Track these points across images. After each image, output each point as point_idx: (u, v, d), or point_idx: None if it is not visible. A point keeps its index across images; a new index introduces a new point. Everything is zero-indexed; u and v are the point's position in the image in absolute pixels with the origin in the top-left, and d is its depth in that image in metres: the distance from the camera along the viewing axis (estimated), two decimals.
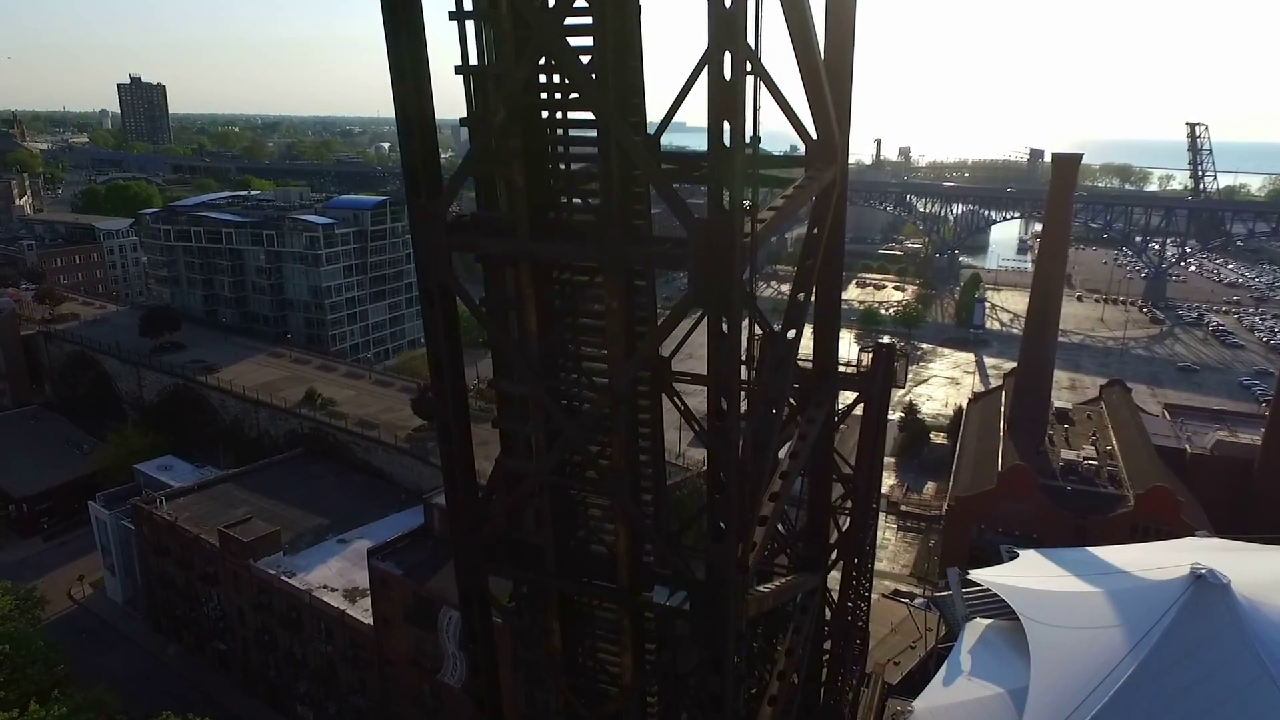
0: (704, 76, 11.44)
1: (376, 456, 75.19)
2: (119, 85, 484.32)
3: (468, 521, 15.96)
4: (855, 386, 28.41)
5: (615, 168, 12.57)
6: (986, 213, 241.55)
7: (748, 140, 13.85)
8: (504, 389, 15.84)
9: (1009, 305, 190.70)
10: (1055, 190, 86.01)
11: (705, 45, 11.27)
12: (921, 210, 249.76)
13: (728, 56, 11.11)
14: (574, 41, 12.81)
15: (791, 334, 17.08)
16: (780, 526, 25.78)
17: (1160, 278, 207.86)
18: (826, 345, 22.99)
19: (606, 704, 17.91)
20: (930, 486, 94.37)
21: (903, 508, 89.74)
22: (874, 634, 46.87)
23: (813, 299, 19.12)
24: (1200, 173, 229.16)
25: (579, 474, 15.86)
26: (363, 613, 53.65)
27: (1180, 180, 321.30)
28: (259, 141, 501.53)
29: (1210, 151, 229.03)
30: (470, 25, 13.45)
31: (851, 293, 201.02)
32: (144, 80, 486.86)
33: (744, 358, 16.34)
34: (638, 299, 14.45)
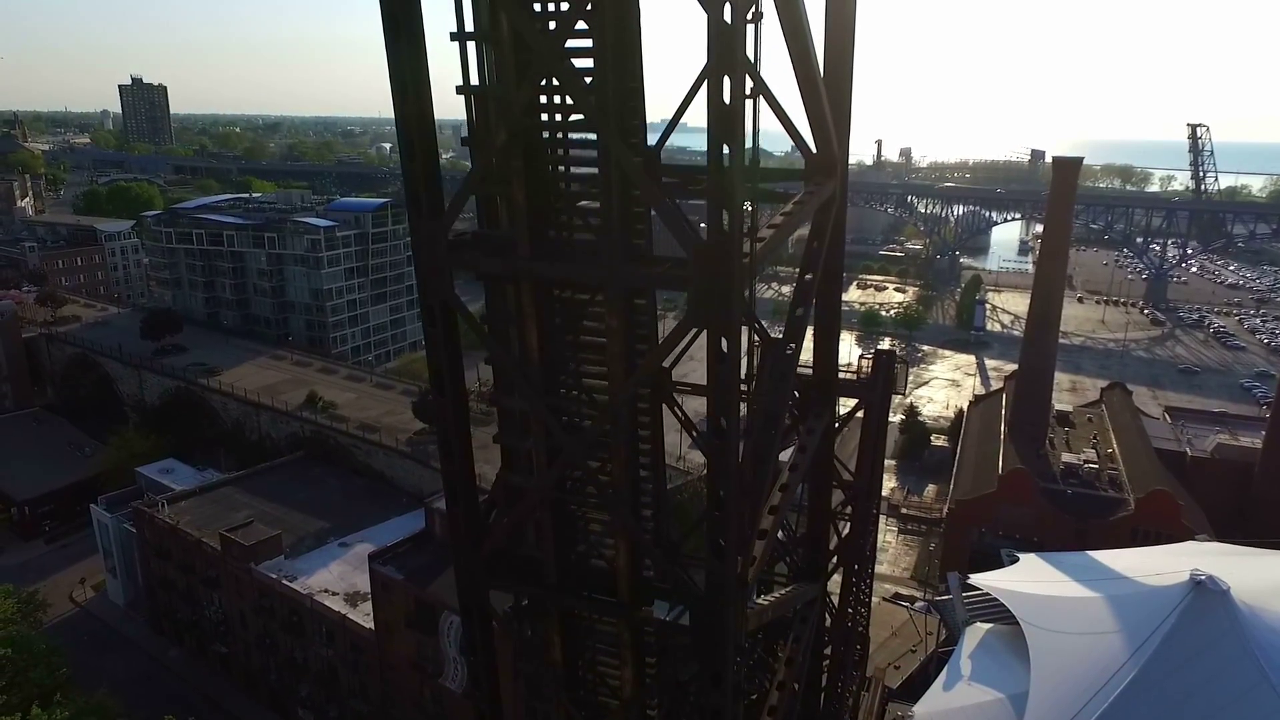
0: (703, 89, 11.55)
1: (377, 460, 75.31)
2: (120, 86, 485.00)
3: (469, 536, 16.04)
4: (855, 393, 28.53)
5: (615, 188, 12.65)
6: (987, 214, 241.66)
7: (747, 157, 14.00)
8: (505, 405, 15.91)
9: (1010, 307, 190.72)
10: (1056, 193, 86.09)
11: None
12: (922, 211, 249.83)
13: (727, 81, 11.17)
14: (574, 61, 12.96)
15: (791, 348, 17.18)
16: (780, 533, 25.88)
17: (1161, 279, 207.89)
18: (826, 356, 23.06)
19: (607, 717, 17.99)
20: (931, 489, 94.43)
21: (903, 510, 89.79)
22: (874, 638, 46.93)
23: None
24: (1201, 174, 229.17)
25: (579, 489, 15.93)
26: (364, 617, 53.76)
27: (1182, 181, 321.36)
28: (260, 142, 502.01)
29: (1211, 153, 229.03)
30: (471, 44, 13.54)
31: (852, 294, 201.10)
32: (145, 81, 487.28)
33: (744, 374, 16.46)
34: (638, 317, 14.53)
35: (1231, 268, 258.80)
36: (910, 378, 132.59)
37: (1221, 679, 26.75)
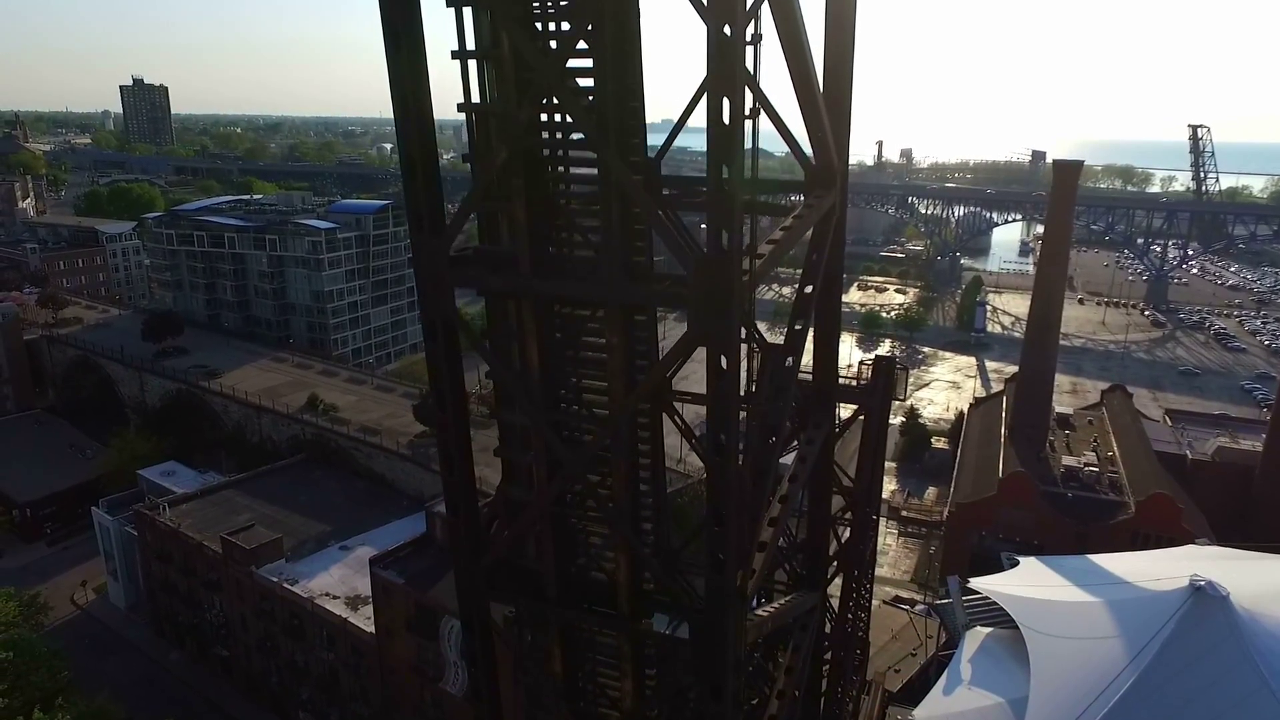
0: (703, 100, 11.64)
1: (378, 463, 75.39)
2: (121, 87, 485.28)
3: (470, 548, 16.11)
4: (855, 399, 28.59)
5: (615, 207, 12.73)
6: (988, 215, 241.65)
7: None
8: (505, 419, 15.99)
9: (1010, 308, 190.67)
10: (1056, 197, 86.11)
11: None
12: (923, 212, 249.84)
13: (726, 103, 11.25)
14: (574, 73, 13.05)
15: (790, 360, 17.24)
16: (780, 540, 25.93)
17: (1162, 280, 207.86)
18: (826, 364, 23.10)
19: None
20: (931, 492, 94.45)
21: (904, 513, 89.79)
22: (874, 641, 46.97)
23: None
24: (1202, 175, 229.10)
25: (579, 503, 16.01)
26: (365, 620, 53.79)
27: (1182, 182, 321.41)
28: (261, 143, 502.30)
29: (1212, 154, 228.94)
30: (472, 62, 13.62)
31: (853, 295, 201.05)
32: (146, 82, 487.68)
33: (743, 382, 16.52)
34: (638, 333, 14.61)
35: (1232, 269, 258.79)
36: (911, 379, 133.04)
37: (1221, 684, 26.81)
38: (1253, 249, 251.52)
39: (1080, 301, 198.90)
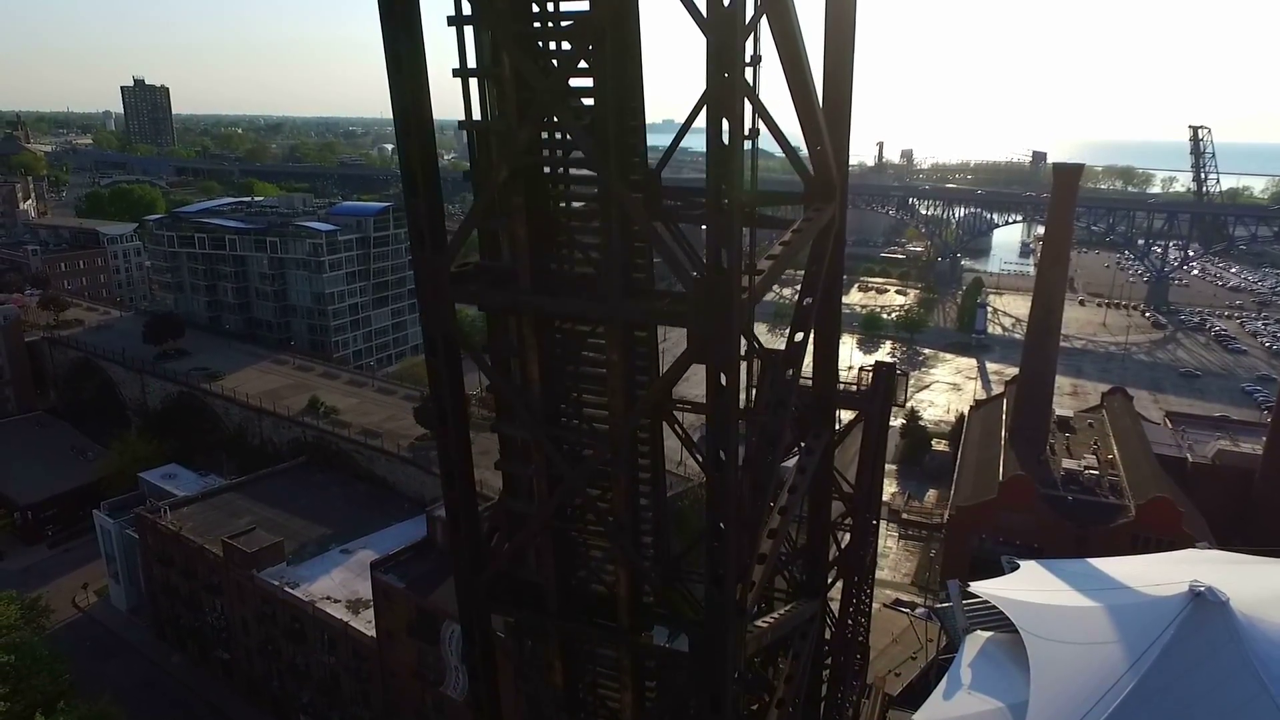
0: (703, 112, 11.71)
1: (379, 466, 75.49)
2: (123, 87, 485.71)
3: (471, 561, 16.18)
4: (855, 405, 28.64)
5: (616, 226, 12.80)
6: (989, 216, 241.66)
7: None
8: (506, 432, 16.06)
9: (1011, 310, 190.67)
10: (1057, 200, 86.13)
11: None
12: (924, 213, 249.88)
13: (725, 124, 11.32)
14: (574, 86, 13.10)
15: (790, 372, 17.30)
16: (779, 549, 25.97)
17: (1163, 282, 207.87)
18: (826, 376, 23.15)
19: None
20: (932, 494, 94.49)
21: (904, 516, 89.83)
22: (875, 645, 46.95)
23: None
24: (1203, 176, 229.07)
25: (580, 516, 16.08)
26: (365, 624, 53.90)
27: (1183, 182, 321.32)
28: (262, 143, 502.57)
29: (1213, 155, 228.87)
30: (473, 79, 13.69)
31: (853, 297, 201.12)
32: (147, 82, 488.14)
33: (743, 398, 16.58)
34: (638, 349, 14.67)
35: (1233, 270, 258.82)
36: (911, 381, 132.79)
37: (1221, 690, 26.83)
38: (1253, 250, 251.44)
39: (1081, 303, 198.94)
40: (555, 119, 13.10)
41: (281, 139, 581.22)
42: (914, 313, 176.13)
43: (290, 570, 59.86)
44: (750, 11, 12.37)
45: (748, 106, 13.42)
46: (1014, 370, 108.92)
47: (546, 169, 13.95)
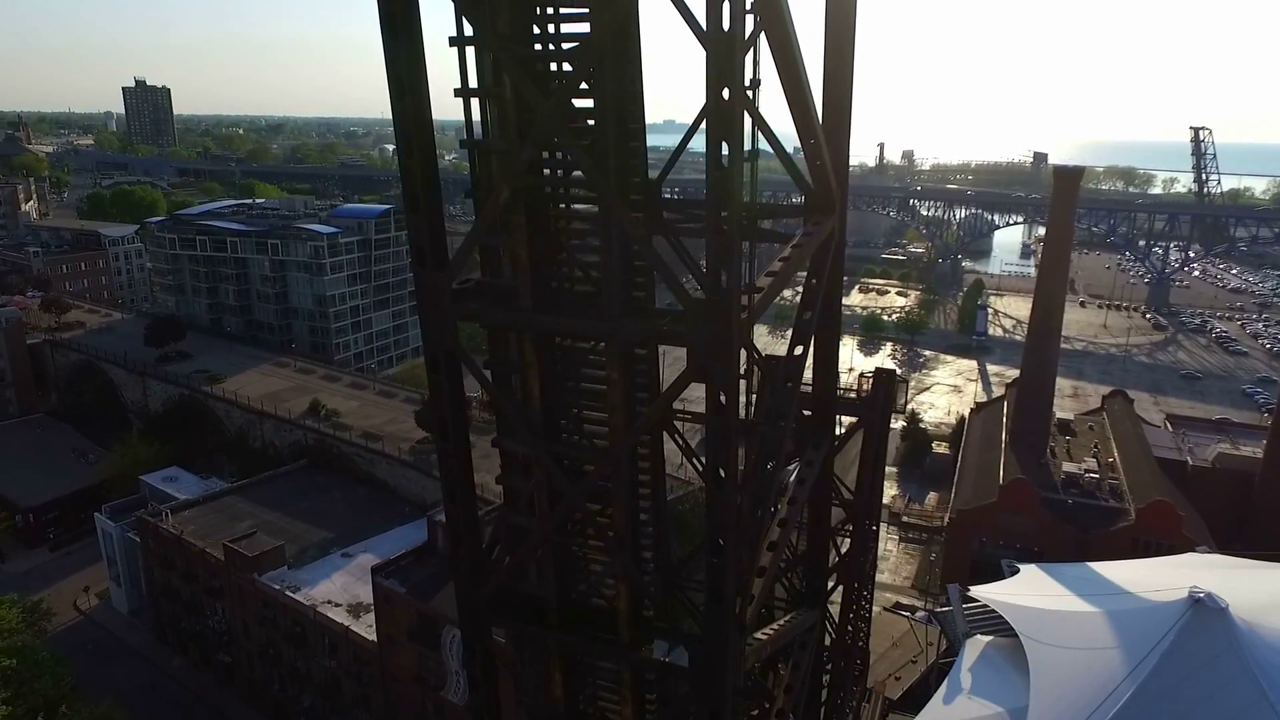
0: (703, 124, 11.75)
1: (380, 469, 75.57)
2: (124, 88, 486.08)
3: (472, 575, 16.27)
4: (855, 412, 28.70)
5: (616, 246, 12.89)
6: (989, 217, 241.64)
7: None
8: (507, 447, 16.14)
9: (1012, 311, 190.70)
10: (1057, 204, 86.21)
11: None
12: (924, 214, 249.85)
13: (724, 146, 11.41)
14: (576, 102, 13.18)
15: (790, 385, 17.37)
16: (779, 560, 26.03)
17: (1163, 283, 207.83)
18: (825, 387, 23.23)
19: None
20: (932, 497, 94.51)
21: (904, 519, 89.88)
22: (875, 648, 47.04)
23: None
24: (1204, 177, 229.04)
25: (580, 531, 16.17)
26: (366, 628, 54.01)
27: (1184, 183, 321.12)
28: (263, 144, 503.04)
29: (1214, 156, 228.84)
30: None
31: (854, 298, 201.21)
32: (149, 83, 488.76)
33: (742, 409, 16.65)
34: (638, 367, 14.76)
35: (1234, 271, 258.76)
36: (912, 383, 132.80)
37: (1220, 696, 26.93)
38: (1254, 251, 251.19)
39: (1082, 304, 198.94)
40: (556, 139, 13.19)
41: (283, 140, 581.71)
42: (914, 314, 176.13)
43: (291, 574, 59.98)
44: (750, 27, 12.51)
45: (747, 120, 13.57)
46: (1015, 372, 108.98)
47: (548, 188, 14.03)
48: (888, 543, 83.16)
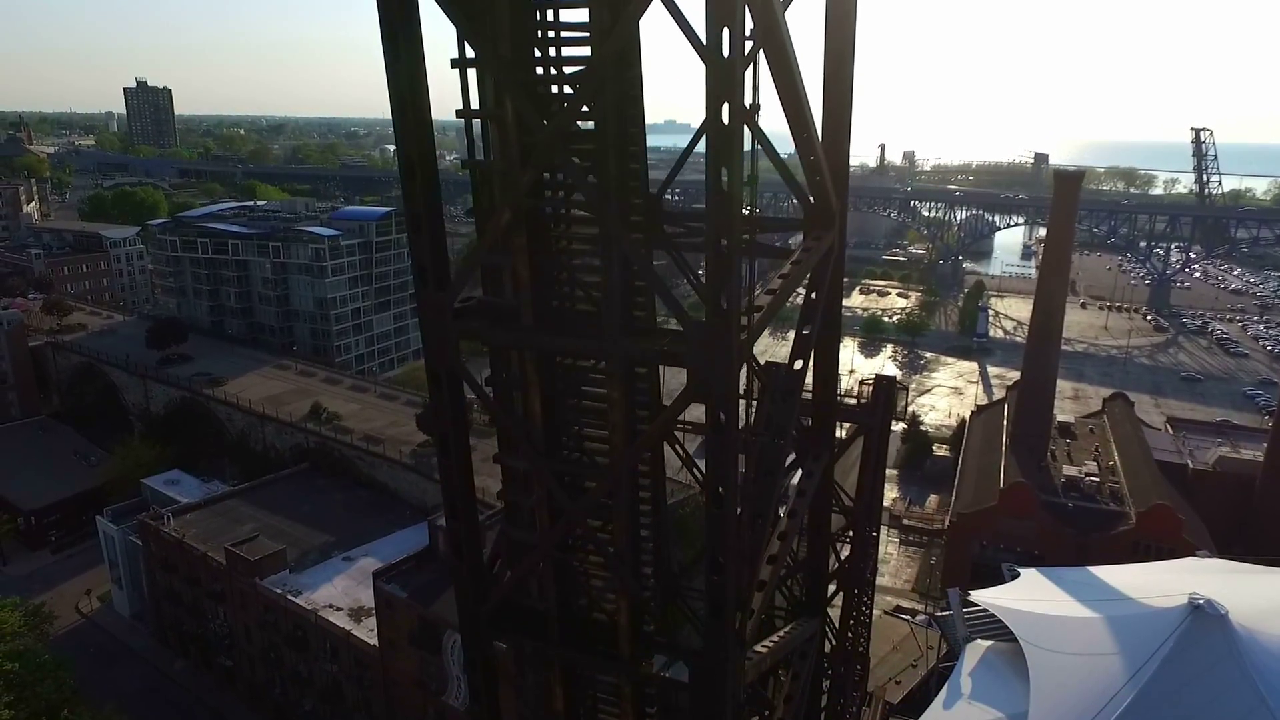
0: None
1: (381, 472, 75.65)
2: (125, 89, 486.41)
3: (474, 590, 16.37)
4: (855, 419, 28.79)
5: (616, 267, 12.98)
6: (990, 218, 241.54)
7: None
8: (508, 463, 16.24)
9: (1013, 313, 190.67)
10: (1058, 207, 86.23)
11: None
12: (925, 215, 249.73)
13: (724, 172, 11.50)
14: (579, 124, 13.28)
15: (790, 399, 17.47)
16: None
17: (1164, 285, 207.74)
18: (825, 399, 23.31)
19: None
20: (933, 499, 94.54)
21: (905, 521, 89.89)
22: (875, 652, 47.03)
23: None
24: (1205, 178, 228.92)
25: (581, 546, 16.27)
26: (368, 632, 54.10)
27: (1185, 184, 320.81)
28: (264, 144, 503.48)
29: (1215, 156, 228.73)
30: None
31: (854, 299, 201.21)
32: (150, 82, 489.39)
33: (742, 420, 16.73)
34: (639, 385, 14.85)
35: (1235, 273, 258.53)
36: (912, 385, 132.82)
37: (1220, 703, 26.96)
38: (1255, 253, 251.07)
39: (1083, 306, 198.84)
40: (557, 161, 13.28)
41: (284, 140, 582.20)
42: (915, 316, 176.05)
43: (293, 578, 60.07)
44: (749, 44, 12.59)
45: (747, 133, 13.66)
46: (1015, 374, 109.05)
47: (549, 209, 14.13)
48: (888, 545, 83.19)
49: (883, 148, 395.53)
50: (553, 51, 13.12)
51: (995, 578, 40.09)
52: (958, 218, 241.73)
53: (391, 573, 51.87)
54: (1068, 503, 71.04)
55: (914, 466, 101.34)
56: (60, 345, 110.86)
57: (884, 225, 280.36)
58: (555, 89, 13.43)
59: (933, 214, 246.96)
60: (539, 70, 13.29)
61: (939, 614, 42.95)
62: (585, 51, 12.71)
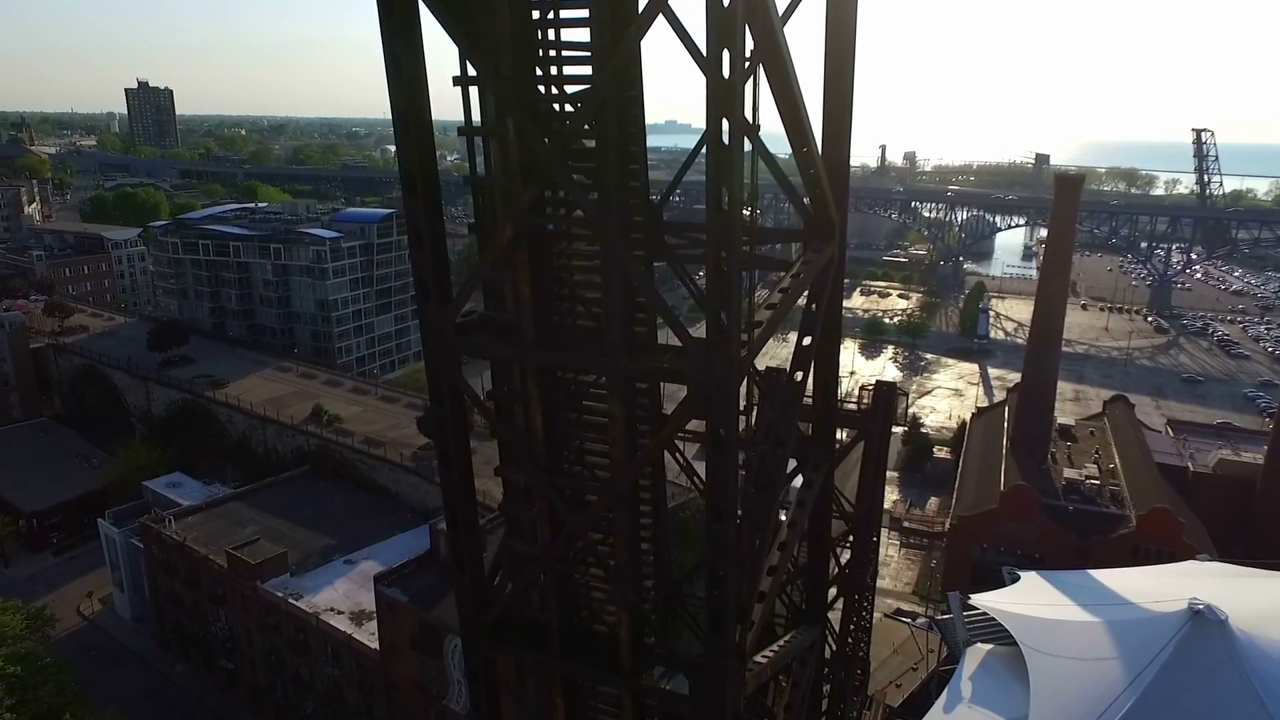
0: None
1: (382, 475, 75.73)
2: (127, 90, 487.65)
3: (476, 602, 16.44)
4: (855, 425, 28.83)
5: (617, 285, 13.05)
6: (991, 219, 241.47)
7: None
8: (509, 476, 16.32)
9: (1013, 314, 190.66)
10: (1058, 211, 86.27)
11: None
12: (926, 216, 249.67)
13: (724, 192, 11.58)
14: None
15: (789, 410, 17.54)
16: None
17: (1165, 286, 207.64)
18: (825, 406, 23.35)
19: None
20: (933, 502, 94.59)
21: (905, 524, 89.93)
22: (875, 655, 47.10)
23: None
24: (1206, 179, 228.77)
25: (582, 559, 16.34)
26: (369, 636, 54.18)
27: (1186, 185, 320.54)
28: (265, 145, 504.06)
29: (1216, 157, 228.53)
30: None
31: (855, 301, 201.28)
32: (151, 82, 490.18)
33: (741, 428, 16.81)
34: (639, 400, 14.93)
35: (1236, 274, 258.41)
36: (913, 387, 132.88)
37: (1219, 708, 27.04)
38: (1256, 253, 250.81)
39: (1083, 307, 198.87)
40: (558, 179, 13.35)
41: (285, 140, 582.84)
42: (916, 317, 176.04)
43: (294, 581, 60.14)
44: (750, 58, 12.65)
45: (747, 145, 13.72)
46: (1016, 376, 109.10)
47: (550, 226, 14.21)
48: (889, 548, 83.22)
49: (884, 148, 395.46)
50: (554, 70, 13.20)
51: (996, 580, 40.18)
52: (958, 218, 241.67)
53: (393, 577, 51.97)
54: (1068, 505, 71.09)
55: (915, 469, 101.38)
56: (62, 347, 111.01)
57: (885, 226, 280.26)
58: (557, 107, 13.50)
59: (933, 215, 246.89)
60: (540, 89, 13.36)
61: (939, 617, 43.06)
62: (587, 70, 12.79)
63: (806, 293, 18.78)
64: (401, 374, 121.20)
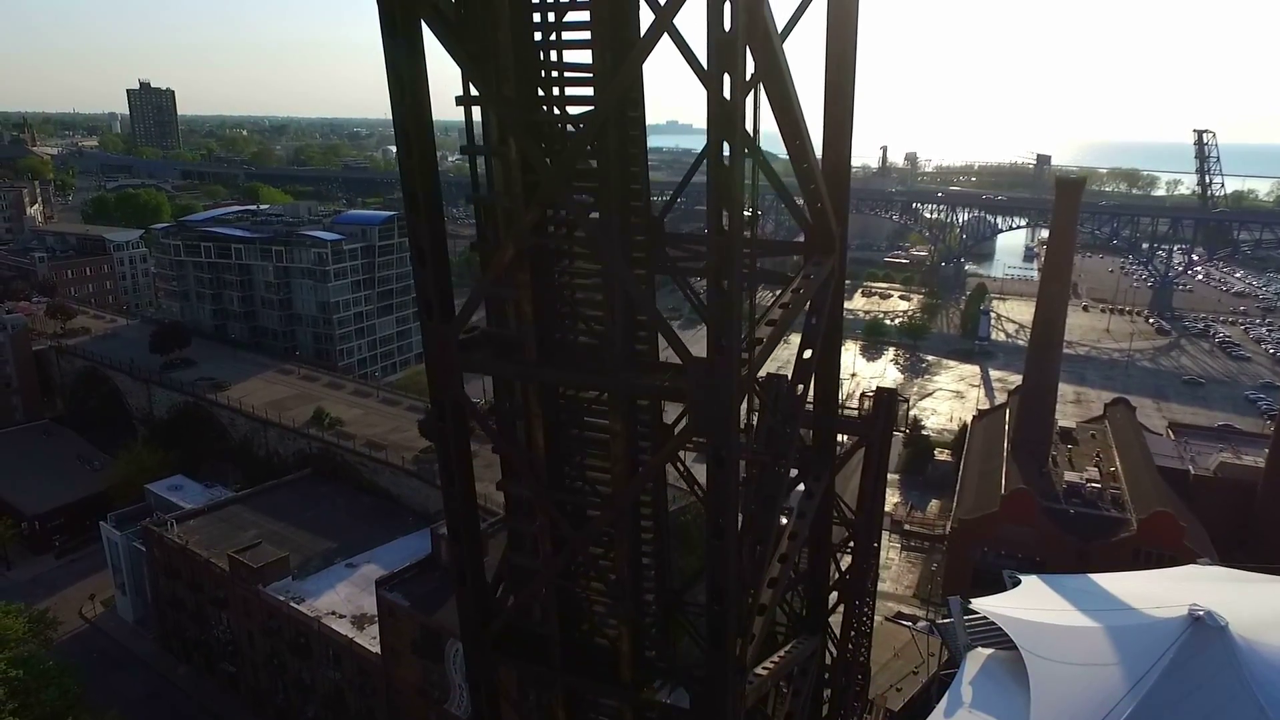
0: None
1: (384, 478, 75.83)
2: (128, 90, 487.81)
3: (478, 615, 16.53)
4: (856, 431, 28.90)
5: (618, 303, 13.14)
6: (993, 220, 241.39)
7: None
8: (511, 491, 16.41)
9: (1015, 315, 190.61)
10: (1059, 214, 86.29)
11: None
12: (927, 217, 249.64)
13: (725, 213, 11.66)
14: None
15: (790, 424, 17.61)
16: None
17: (1167, 287, 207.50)
18: (826, 415, 23.43)
19: None
20: (934, 505, 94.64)
21: (906, 527, 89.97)
22: (876, 659, 47.09)
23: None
24: (1207, 180, 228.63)
25: (583, 574, 16.43)
26: (370, 640, 54.26)
27: (1188, 185, 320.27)
28: (267, 146, 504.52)
29: (1217, 158, 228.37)
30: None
31: (856, 302, 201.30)
32: (153, 83, 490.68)
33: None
34: (640, 417, 15.01)
35: (1237, 275, 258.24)
36: (914, 389, 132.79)
37: (1220, 714, 27.02)
38: (1258, 255, 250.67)
39: (1084, 309, 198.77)
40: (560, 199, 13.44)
41: (286, 141, 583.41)
42: (917, 319, 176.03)
43: (296, 585, 60.24)
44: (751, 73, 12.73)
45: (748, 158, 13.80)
46: (1017, 377, 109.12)
47: (552, 245, 14.29)
48: (889, 551, 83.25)
49: (885, 149, 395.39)
50: (556, 91, 13.28)
51: (996, 584, 40.15)
52: (960, 219, 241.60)
53: (394, 581, 52.04)
54: (1069, 509, 71.11)
55: (915, 471, 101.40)
56: (64, 349, 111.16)
57: (886, 227, 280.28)
58: (559, 127, 13.59)
59: (934, 216, 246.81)
60: (543, 109, 13.45)
61: (940, 621, 43.11)
62: (589, 91, 12.88)
63: (807, 307, 18.96)
64: (403, 376, 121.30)
